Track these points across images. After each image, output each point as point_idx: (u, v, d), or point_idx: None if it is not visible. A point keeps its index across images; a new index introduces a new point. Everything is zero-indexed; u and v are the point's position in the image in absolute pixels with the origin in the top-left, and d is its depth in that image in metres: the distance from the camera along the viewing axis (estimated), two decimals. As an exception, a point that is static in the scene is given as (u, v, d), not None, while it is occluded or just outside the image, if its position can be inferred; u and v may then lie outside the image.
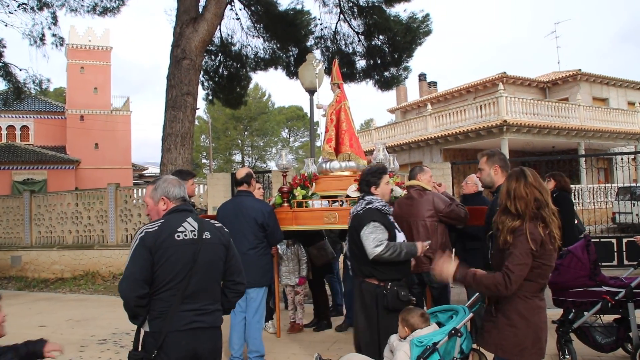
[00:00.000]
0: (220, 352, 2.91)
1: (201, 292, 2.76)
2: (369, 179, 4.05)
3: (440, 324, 3.54)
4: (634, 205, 14.34)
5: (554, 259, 3.01)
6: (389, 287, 3.79)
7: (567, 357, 4.73)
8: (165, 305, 2.68)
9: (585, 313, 4.71)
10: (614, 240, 10.57)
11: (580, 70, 26.27)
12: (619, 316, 4.76)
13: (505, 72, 25.88)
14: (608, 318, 4.86)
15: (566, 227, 5.94)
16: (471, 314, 3.35)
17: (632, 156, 17.21)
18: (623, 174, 14.16)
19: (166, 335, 2.66)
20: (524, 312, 2.98)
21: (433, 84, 35.09)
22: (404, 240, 4.03)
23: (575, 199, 17.69)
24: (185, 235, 2.76)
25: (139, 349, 2.76)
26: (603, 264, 6.85)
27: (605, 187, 18.43)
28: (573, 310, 4.84)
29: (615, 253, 10.40)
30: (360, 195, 4.13)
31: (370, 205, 3.89)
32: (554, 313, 5.05)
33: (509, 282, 2.85)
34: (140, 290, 2.64)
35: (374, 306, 3.78)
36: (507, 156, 18.15)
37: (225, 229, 3.00)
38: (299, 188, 5.74)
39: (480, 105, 21.70)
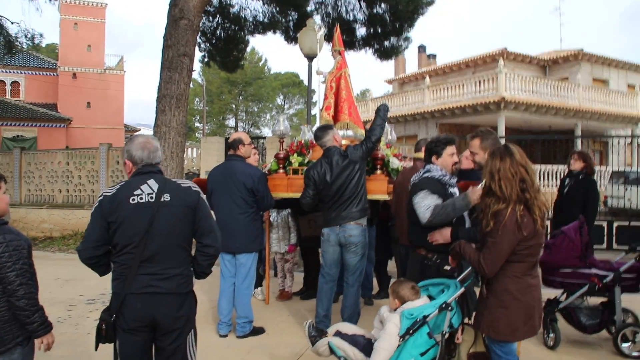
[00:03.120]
0: (185, 317, 2.79)
1: (159, 256, 2.68)
2: (432, 147, 3.92)
3: (431, 297, 3.52)
4: (626, 190, 14.38)
5: (541, 236, 2.97)
6: (433, 259, 3.76)
7: (552, 335, 4.77)
8: (124, 268, 2.67)
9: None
10: (604, 224, 10.63)
11: (582, 49, 25.98)
12: (605, 300, 4.79)
13: (505, 48, 25.58)
14: (594, 301, 4.89)
15: (591, 213, 5.93)
16: (462, 289, 3.33)
17: (628, 140, 17.18)
18: (618, 158, 14.13)
19: (124, 297, 2.65)
20: (515, 293, 2.97)
21: (432, 56, 34.69)
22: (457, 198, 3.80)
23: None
24: (141, 199, 2.69)
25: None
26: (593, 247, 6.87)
27: (600, 170, 18.45)
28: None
29: (605, 237, 10.48)
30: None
31: (427, 174, 3.80)
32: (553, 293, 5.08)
33: (483, 270, 2.95)
34: (93, 252, 2.71)
35: (419, 277, 3.75)
36: (504, 134, 18.07)
37: (195, 189, 2.85)
38: (295, 155, 5.67)
39: (479, 81, 21.51)
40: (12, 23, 13.17)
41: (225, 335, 5.11)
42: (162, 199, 2.71)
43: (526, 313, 2.99)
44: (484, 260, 2.93)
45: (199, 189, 2.89)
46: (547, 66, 27.18)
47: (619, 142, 12.78)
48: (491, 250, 2.91)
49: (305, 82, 11.54)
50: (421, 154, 4.92)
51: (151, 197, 2.70)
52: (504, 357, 3.09)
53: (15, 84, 31.76)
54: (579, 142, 17.77)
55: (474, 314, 3.33)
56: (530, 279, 3.01)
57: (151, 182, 2.75)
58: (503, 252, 2.89)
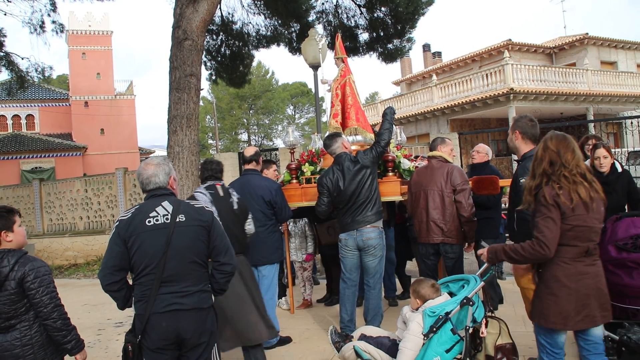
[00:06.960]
0: (209, 332, 2.88)
1: (179, 275, 2.77)
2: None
3: (451, 294, 3.54)
4: (645, 169, 14.15)
5: (589, 219, 2.87)
6: None
7: None
8: (146, 289, 2.75)
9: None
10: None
11: (587, 34, 25.78)
12: None
13: (510, 39, 25.47)
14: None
15: None
16: (482, 283, 3.34)
17: (641, 119, 16.87)
18: (633, 138, 13.91)
19: (148, 317, 2.72)
20: (563, 279, 2.88)
21: (438, 54, 34.67)
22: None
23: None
24: (157, 220, 2.77)
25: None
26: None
27: (615, 152, 18.21)
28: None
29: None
30: None
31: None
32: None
33: (543, 249, 2.83)
34: (110, 278, 2.77)
35: None
36: (515, 124, 17.77)
37: (208, 209, 2.94)
38: (307, 164, 5.73)
39: (486, 74, 21.43)
40: (22, 59, 13.40)
41: (253, 347, 5.14)
42: (178, 219, 2.80)
43: (578, 301, 2.86)
44: (543, 238, 2.84)
45: (211, 209, 2.99)
46: (553, 54, 26.97)
47: (632, 123, 12.59)
48: (543, 227, 2.85)
49: (314, 91, 11.60)
50: (437, 152, 4.95)
51: (167, 219, 2.79)
52: (548, 348, 3.00)
53: (29, 117, 32.37)
54: (591, 126, 17.57)
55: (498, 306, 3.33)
56: (582, 265, 2.88)
57: (165, 203, 2.84)
58: (554, 225, 2.84)
